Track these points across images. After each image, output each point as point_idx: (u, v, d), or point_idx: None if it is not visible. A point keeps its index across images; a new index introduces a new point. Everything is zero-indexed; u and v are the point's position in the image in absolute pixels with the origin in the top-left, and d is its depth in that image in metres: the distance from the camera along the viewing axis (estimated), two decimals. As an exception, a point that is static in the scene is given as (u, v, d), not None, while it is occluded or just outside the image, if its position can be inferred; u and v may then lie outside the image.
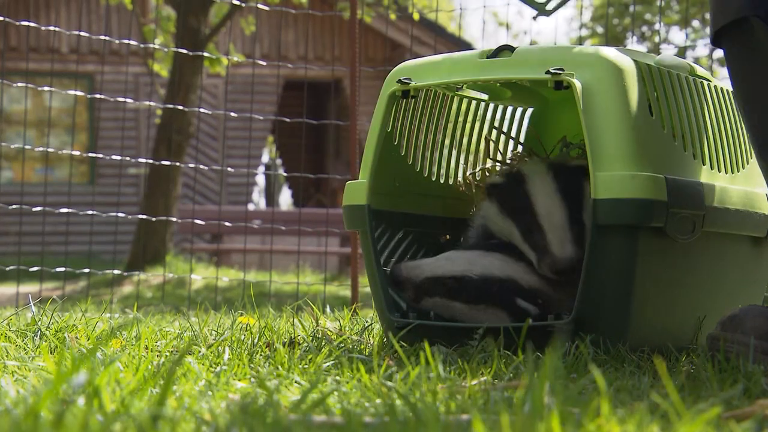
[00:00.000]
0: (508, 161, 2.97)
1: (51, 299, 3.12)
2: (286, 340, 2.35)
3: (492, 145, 2.99)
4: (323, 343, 2.30)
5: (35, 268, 5.82)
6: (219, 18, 10.89)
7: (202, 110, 6.53)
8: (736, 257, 2.60)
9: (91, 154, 6.47)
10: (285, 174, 12.71)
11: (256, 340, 2.35)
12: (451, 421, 1.32)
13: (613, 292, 2.29)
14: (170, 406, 1.38)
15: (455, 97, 2.84)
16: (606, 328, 2.28)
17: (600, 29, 19.58)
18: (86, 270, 5.92)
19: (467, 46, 15.40)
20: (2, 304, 6.45)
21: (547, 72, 2.35)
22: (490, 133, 2.98)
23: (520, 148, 3.01)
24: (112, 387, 1.50)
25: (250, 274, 10.66)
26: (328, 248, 8.34)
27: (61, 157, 14.13)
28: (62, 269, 5.79)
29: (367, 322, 2.89)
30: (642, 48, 17.98)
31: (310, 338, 2.38)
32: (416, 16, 9.59)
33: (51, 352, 2.20)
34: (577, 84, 2.32)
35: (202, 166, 6.92)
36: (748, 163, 2.68)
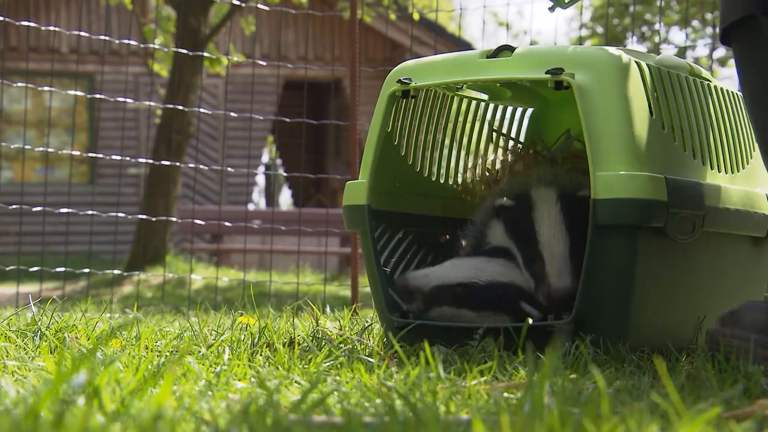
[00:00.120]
0: (511, 156, 2.96)
1: (51, 299, 3.12)
2: (286, 340, 2.35)
3: (498, 143, 2.99)
4: (323, 343, 2.30)
5: (35, 268, 5.82)
6: (219, 18, 10.89)
7: (202, 110, 6.53)
8: (736, 257, 2.60)
9: (91, 154, 6.47)
10: (285, 174, 12.71)
11: (256, 340, 2.35)
12: (451, 421, 1.31)
13: (613, 292, 2.29)
14: (170, 406, 1.38)
15: (455, 97, 2.84)
16: (606, 328, 2.28)
17: (600, 29, 19.58)
18: (86, 270, 5.92)
19: (467, 46, 15.39)
20: (2, 304, 6.45)
21: (547, 72, 2.35)
22: (490, 133, 2.98)
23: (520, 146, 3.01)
24: (112, 387, 1.50)
25: (250, 274, 10.66)
26: (328, 248, 8.33)
27: (61, 157, 14.13)
28: (62, 269, 5.79)
29: (367, 322, 2.89)
30: (642, 48, 17.99)
31: (310, 338, 2.38)
32: (416, 16, 9.59)
33: (51, 352, 2.20)
34: (577, 84, 2.32)
35: (202, 166, 6.92)
36: (748, 163, 2.68)
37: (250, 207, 16.26)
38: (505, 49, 2.47)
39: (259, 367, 1.98)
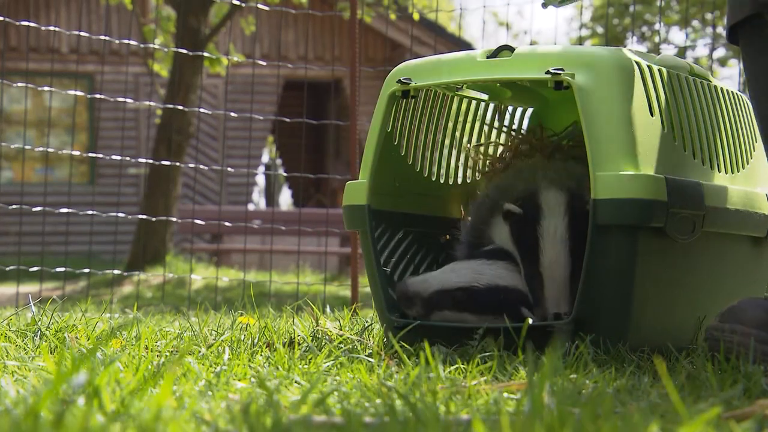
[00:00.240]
0: (515, 140, 2.95)
1: (51, 299, 3.12)
2: (286, 340, 2.35)
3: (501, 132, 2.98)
4: (323, 343, 2.30)
5: (35, 268, 5.82)
6: (219, 18, 10.89)
7: (202, 110, 6.53)
8: (736, 257, 2.60)
9: (91, 154, 6.47)
10: (285, 174, 12.71)
11: (256, 340, 2.35)
12: (451, 421, 1.31)
13: (613, 292, 2.29)
14: (170, 406, 1.38)
15: (455, 97, 2.84)
16: (606, 328, 2.28)
17: (600, 29, 19.58)
18: (86, 270, 5.92)
19: (467, 46, 15.39)
20: (2, 304, 6.45)
21: (547, 72, 2.35)
22: (490, 131, 2.98)
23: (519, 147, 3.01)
24: (112, 387, 1.50)
25: (250, 274, 10.66)
26: (328, 248, 8.33)
27: (61, 157, 14.13)
28: (62, 269, 5.79)
29: (367, 322, 2.89)
30: (642, 48, 17.99)
31: (310, 338, 2.38)
32: (416, 16, 9.59)
33: (51, 352, 2.20)
34: (577, 84, 2.32)
35: (202, 166, 6.91)
36: (748, 163, 2.68)
37: (250, 207, 16.26)
38: (505, 49, 2.47)
39: (259, 367, 1.97)
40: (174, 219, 7.98)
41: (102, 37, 6.07)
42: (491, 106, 2.96)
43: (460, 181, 2.93)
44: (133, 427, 1.19)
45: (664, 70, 2.44)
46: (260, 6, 6.76)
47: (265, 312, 3.36)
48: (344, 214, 2.66)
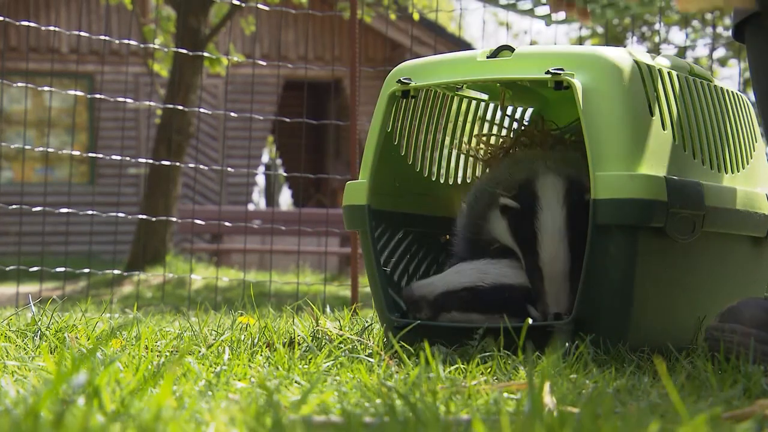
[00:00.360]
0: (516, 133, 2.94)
1: (51, 299, 3.11)
2: (286, 340, 2.35)
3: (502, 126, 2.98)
4: (323, 343, 2.30)
5: (35, 268, 5.82)
6: (219, 18, 10.89)
7: (202, 110, 6.53)
8: (736, 257, 2.60)
9: (91, 154, 6.47)
10: (285, 174, 12.71)
11: (256, 340, 2.35)
12: (451, 421, 1.31)
13: (613, 292, 2.29)
14: (170, 406, 1.38)
15: (455, 97, 2.84)
16: (606, 328, 2.28)
17: (600, 29, 19.57)
18: (86, 270, 5.92)
19: (467, 46, 15.39)
20: (2, 304, 6.45)
21: (547, 72, 2.35)
22: (490, 129, 2.98)
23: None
24: (112, 387, 1.50)
25: (250, 274, 10.66)
26: (328, 248, 8.33)
27: (61, 157, 14.13)
28: (62, 269, 5.78)
29: (367, 322, 2.89)
30: (642, 48, 17.97)
31: (310, 338, 2.38)
32: (416, 16, 9.59)
33: (51, 352, 2.20)
34: (577, 84, 2.32)
35: (202, 166, 6.92)
36: (748, 163, 2.68)
37: (250, 207, 16.26)
38: (505, 49, 2.47)
39: (259, 367, 1.97)
40: (174, 219, 7.98)
41: (102, 37, 6.07)
42: (491, 106, 2.96)
43: (460, 181, 2.93)
44: (133, 427, 1.19)
45: (664, 70, 2.44)
46: (260, 6, 6.76)
47: (265, 312, 3.36)
48: (344, 214, 2.66)
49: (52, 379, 1.37)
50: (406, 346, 2.16)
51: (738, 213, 2.51)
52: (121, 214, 6.17)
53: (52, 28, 5.82)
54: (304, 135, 6.65)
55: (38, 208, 5.74)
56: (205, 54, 9.21)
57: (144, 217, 8.09)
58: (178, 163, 9.24)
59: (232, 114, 6.37)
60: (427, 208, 2.82)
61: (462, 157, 2.94)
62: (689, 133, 2.46)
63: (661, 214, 2.27)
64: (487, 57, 2.49)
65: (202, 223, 6.56)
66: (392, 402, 1.42)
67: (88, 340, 2.32)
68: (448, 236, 2.82)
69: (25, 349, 2.23)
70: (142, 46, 8.26)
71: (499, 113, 2.99)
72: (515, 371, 1.93)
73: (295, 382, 1.77)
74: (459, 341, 2.34)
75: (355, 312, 3.36)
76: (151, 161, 7.95)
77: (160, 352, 2.21)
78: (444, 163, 2.88)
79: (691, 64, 2.59)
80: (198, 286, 9.83)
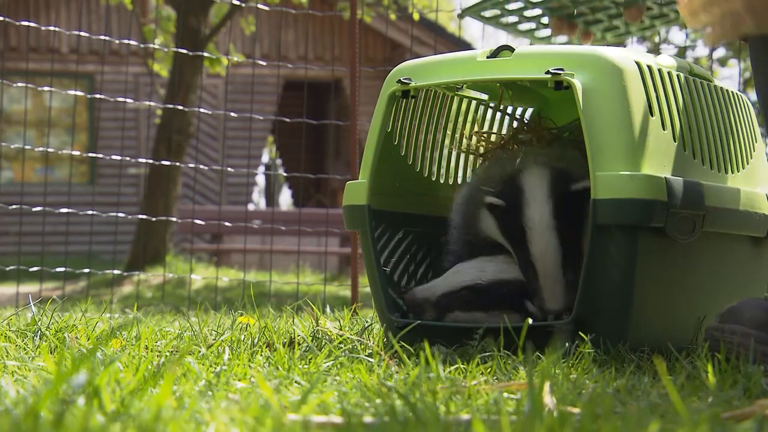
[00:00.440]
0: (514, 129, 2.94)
1: (51, 299, 3.11)
2: (286, 340, 2.35)
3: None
4: (323, 343, 2.30)
5: (35, 268, 5.82)
6: (219, 18, 10.89)
7: (202, 110, 6.53)
8: (736, 257, 2.60)
9: (91, 154, 6.47)
10: (285, 174, 12.71)
11: (256, 340, 2.35)
12: (451, 421, 1.31)
13: (613, 292, 2.29)
14: (170, 406, 1.38)
15: (455, 97, 2.84)
16: (606, 328, 2.28)
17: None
18: (86, 270, 5.92)
19: (467, 46, 15.40)
20: (2, 304, 6.45)
21: (547, 72, 2.35)
22: (490, 128, 2.98)
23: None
24: (112, 387, 1.50)
25: (250, 274, 10.66)
26: (328, 248, 8.33)
27: (61, 157, 14.13)
28: (62, 269, 5.78)
29: (367, 322, 2.89)
30: (642, 48, 17.96)
31: (310, 338, 2.38)
32: (416, 16, 9.60)
33: (51, 352, 2.20)
34: (577, 84, 2.32)
35: (202, 166, 6.92)
36: (748, 163, 2.68)
37: (250, 207, 16.26)
38: (505, 49, 2.47)
39: (259, 367, 1.97)
40: (174, 219, 7.98)
41: (102, 37, 6.07)
42: (491, 105, 2.96)
43: (460, 181, 2.93)
44: (133, 427, 1.19)
45: (664, 70, 2.44)
46: (260, 6, 6.76)
47: (265, 312, 3.36)
48: (344, 214, 2.66)
49: (52, 379, 1.37)
50: (406, 346, 2.16)
51: (738, 213, 2.51)
52: (121, 214, 6.17)
53: (52, 28, 5.82)
54: (304, 135, 6.65)
55: (38, 208, 5.74)
56: (205, 54, 9.21)
57: (144, 217, 8.09)
58: (178, 163, 9.24)
59: (232, 114, 6.37)
60: (427, 208, 2.82)
61: (462, 156, 2.94)
62: (689, 133, 2.46)
63: (661, 214, 2.27)
64: (487, 57, 2.49)
65: (202, 223, 6.56)
66: (392, 402, 1.42)
67: (88, 340, 2.32)
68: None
69: (25, 349, 2.23)
70: (142, 46, 8.26)
71: (498, 112, 2.99)
72: (515, 371, 1.93)
73: (295, 382, 1.77)
74: (459, 341, 2.34)
75: (355, 312, 3.36)
76: (151, 161, 7.95)
77: (160, 352, 2.21)
78: (444, 163, 2.88)
79: (691, 64, 2.59)
80: (198, 286, 9.83)
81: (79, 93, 5.83)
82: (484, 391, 1.63)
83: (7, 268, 5.75)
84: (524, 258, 2.42)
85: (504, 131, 3.00)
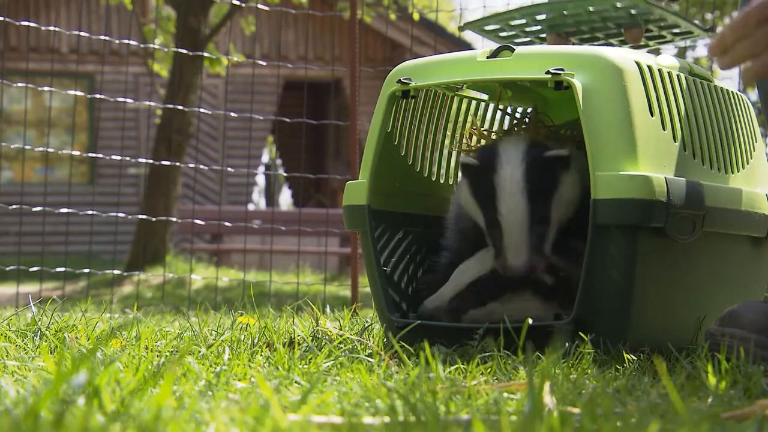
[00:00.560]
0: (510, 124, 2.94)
1: (51, 299, 3.11)
2: (286, 340, 2.35)
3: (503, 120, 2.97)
4: (323, 343, 2.30)
5: (35, 268, 5.82)
6: (219, 18, 10.89)
7: (202, 110, 6.53)
8: (736, 257, 2.60)
9: (91, 154, 6.47)
10: (285, 174, 12.71)
11: (256, 340, 2.35)
12: (451, 421, 1.31)
13: (613, 292, 2.29)
14: (170, 406, 1.38)
15: (455, 97, 2.84)
16: (606, 328, 2.28)
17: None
18: (86, 270, 5.92)
19: (467, 46, 15.39)
20: (2, 304, 6.45)
21: (547, 72, 2.35)
22: (492, 126, 2.98)
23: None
24: (112, 387, 1.50)
25: (250, 274, 10.66)
26: (328, 248, 8.33)
27: (61, 157, 14.13)
28: (62, 269, 5.78)
29: (367, 322, 2.89)
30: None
31: (310, 338, 2.38)
32: (416, 16, 9.60)
33: (51, 352, 2.20)
34: (577, 84, 2.32)
35: (202, 166, 6.92)
36: (748, 163, 2.68)
37: (250, 207, 16.26)
38: (505, 49, 2.47)
39: (259, 367, 1.97)
40: (174, 219, 7.98)
41: (102, 37, 6.07)
42: (491, 106, 2.96)
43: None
44: (133, 427, 1.19)
45: (664, 70, 2.44)
46: (260, 6, 6.76)
47: (265, 312, 3.36)
48: (344, 214, 2.66)
49: (52, 379, 1.37)
50: (406, 346, 2.16)
51: (738, 213, 2.51)
52: (121, 214, 6.17)
53: (52, 28, 5.82)
54: (304, 135, 6.65)
55: (38, 208, 5.74)
56: (205, 54, 9.22)
57: (144, 217, 8.09)
58: (178, 163, 9.24)
59: (232, 114, 6.37)
60: (427, 208, 2.82)
61: (462, 156, 2.94)
62: (689, 133, 2.46)
63: (661, 214, 2.27)
64: (487, 57, 2.49)
65: (202, 223, 6.56)
66: (392, 402, 1.42)
67: (88, 340, 2.32)
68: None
69: (25, 349, 2.23)
70: (142, 46, 8.26)
71: (498, 112, 2.99)
72: (515, 371, 1.93)
73: (295, 382, 1.77)
74: (459, 341, 2.34)
75: (355, 312, 3.36)
76: (151, 161, 7.95)
77: (160, 352, 2.21)
78: (444, 163, 2.88)
79: (691, 64, 2.59)
80: (198, 286, 9.83)
81: (79, 93, 5.83)
82: (484, 391, 1.63)
83: (7, 268, 5.75)
84: (491, 216, 2.41)
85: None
